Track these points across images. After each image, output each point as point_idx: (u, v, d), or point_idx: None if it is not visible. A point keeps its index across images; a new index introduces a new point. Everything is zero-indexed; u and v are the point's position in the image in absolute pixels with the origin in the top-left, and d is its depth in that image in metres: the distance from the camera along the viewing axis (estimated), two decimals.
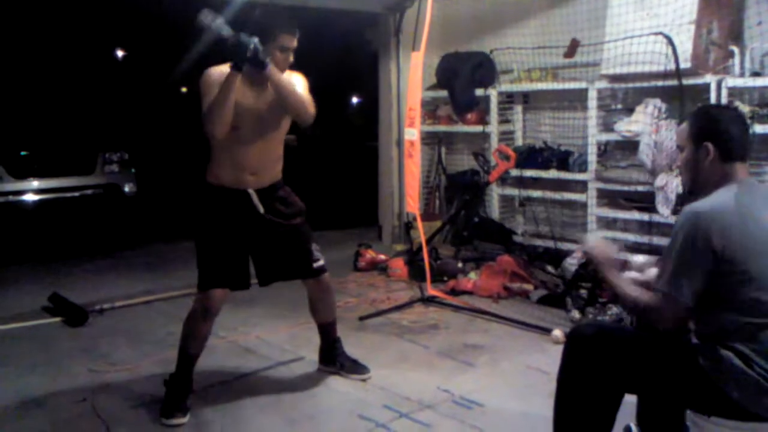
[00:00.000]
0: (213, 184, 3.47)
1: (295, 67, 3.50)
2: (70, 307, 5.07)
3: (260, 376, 3.97)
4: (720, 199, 2.29)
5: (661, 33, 4.90)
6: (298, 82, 3.45)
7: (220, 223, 3.45)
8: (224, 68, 3.27)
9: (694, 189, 2.48)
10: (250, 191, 3.46)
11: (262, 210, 3.48)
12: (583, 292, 4.88)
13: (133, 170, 7.78)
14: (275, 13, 3.37)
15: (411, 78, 5.38)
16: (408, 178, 5.41)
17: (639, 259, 2.70)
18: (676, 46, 4.83)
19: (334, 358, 3.93)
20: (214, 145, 3.43)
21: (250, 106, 3.35)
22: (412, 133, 5.28)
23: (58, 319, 5.00)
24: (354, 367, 3.91)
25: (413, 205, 5.37)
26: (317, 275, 3.73)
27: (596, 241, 2.69)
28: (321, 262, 3.74)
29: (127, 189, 7.58)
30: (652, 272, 2.61)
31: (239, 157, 3.41)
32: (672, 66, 4.88)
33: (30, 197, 6.93)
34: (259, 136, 3.42)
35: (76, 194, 7.19)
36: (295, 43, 3.37)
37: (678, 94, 4.92)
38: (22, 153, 7.13)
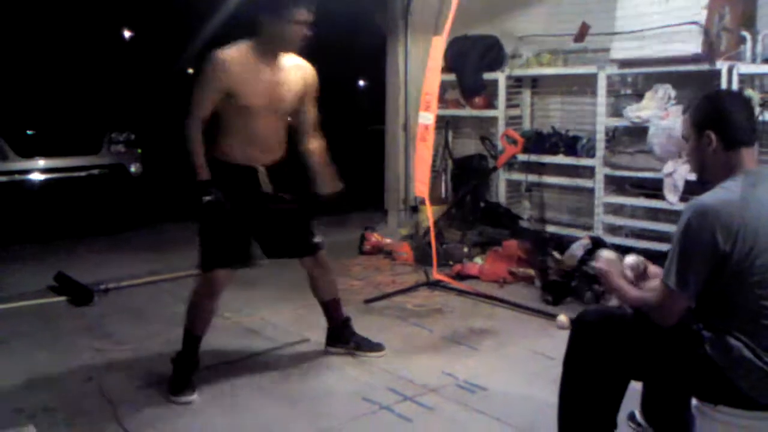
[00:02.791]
0: (220, 159, 3.45)
1: (302, 47, 3.49)
2: (76, 286, 5.09)
3: (265, 357, 3.98)
4: (725, 192, 2.24)
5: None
6: (309, 77, 3.51)
7: (227, 200, 3.43)
8: (232, 52, 3.32)
9: (702, 178, 2.44)
10: (260, 168, 3.47)
11: (270, 189, 3.49)
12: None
13: (139, 150, 7.77)
14: None
15: (430, 62, 5.29)
16: (419, 162, 5.35)
17: (630, 260, 2.68)
18: (685, 32, 4.78)
19: (348, 337, 3.95)
20: (224, 120, 3.43)
21: (265, 82, 3.38)
22: (428, 117, 5.21)
23: (63, 298, 5.02)
24: (370, 345, 3.94)
25: (423, 189, 5.34)
26: (315, 252, 3.74)
27: (606, 260, 2.62)
28: (319, 239, 3.76)
29: (133, 169, 7.57)
30: (651, 272, 2.61)
31: (251, 133, 3.42)
32: (681, 52, 4.84)
33: (36, 176, 6.92)
34: (272, 113, 3.44)
35: (82, 174, 7.19)
36: (311, 17, 3.37)
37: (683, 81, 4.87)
38: (29, 132, 7.12)
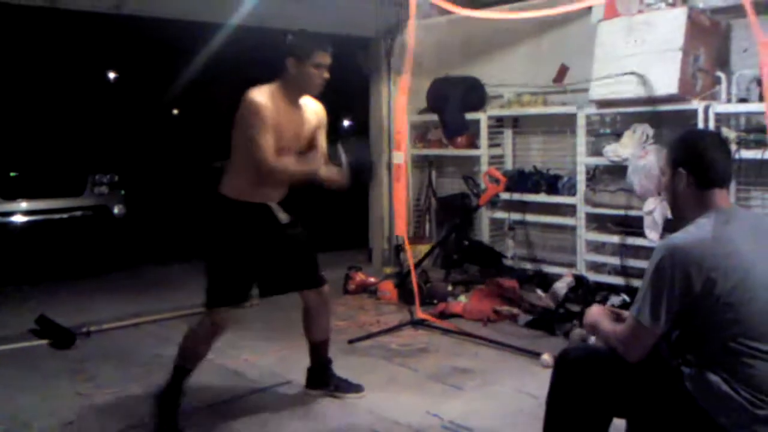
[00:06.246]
0: (230, 197, 3.46)
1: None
2: (58, 329, 5.03)
3: (247, 399, 3.94)
4: (697, 230, 2.27)
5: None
6: (320, 112, 3.67)
7: (240, 237, 3.47)
8: (264, 96, 3.36)
9: (675, 214, 2.49)
10: (272, 204, 3.53)
11: (285, 220, 3.57)
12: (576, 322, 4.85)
13: (122, 192, 7.77)
14: (309, 34, 3.50)
15: (397, 102, 5.46)
16: (396, 202, 5.44)
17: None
18: (661, 73, 4.91)
19: (327, 380, 3.92)
20: (241, 161, 3.44)
21: (293, 123, 3.48)
22: (400, 157, 5.34)
23: (45, 341, 4.96)
24: (349, 386, 3.91)
25: (402, 228, 5.40)
26: (321, 285, 3.77)
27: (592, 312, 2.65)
28: (322, 273, 3.81)
29: (116, 211, 7.57)
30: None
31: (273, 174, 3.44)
32: (658, 93, 4.95)
33: (19, 218, 6.90)
34: (290, 151, 3.50)
35: (65, 216, 7.17)
36: (329, 60, 3.47)
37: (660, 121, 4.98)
38: (12, 174, 7.11)
